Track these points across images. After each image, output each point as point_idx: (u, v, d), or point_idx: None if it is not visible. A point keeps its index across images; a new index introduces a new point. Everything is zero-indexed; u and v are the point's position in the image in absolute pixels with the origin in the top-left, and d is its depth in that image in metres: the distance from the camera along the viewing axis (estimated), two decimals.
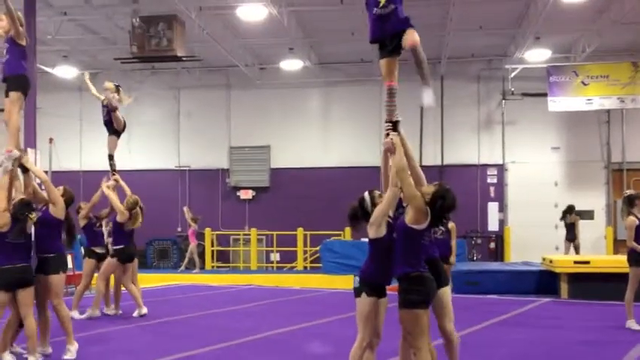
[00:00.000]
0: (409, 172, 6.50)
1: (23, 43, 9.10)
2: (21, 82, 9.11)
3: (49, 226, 9.06)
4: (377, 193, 6.81)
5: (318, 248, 23.98)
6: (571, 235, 21.06)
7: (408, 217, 6.37)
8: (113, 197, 12.96)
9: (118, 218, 12.93)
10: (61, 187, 9.64)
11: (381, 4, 6.91)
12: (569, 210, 21.24)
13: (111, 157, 13.58)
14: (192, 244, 23.84)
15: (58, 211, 9.08)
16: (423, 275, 6.36)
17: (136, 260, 13.35)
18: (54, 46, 23.30)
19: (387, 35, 6.94)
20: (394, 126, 6.87)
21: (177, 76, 28.00)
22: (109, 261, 13.05)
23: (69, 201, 9.59)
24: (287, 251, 25.79)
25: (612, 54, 24.18)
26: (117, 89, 13.39)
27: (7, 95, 9.06)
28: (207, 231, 25.65)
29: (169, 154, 28.46)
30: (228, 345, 9.96)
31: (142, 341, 10.64)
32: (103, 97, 13.49)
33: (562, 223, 21.47)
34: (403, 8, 6.95)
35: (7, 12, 8.89)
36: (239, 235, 26.89)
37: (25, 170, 9.16)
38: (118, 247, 12.98)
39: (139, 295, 12.99)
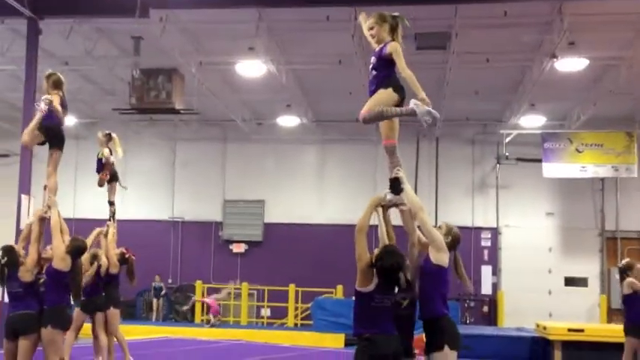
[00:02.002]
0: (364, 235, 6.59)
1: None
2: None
3: (49, 276, 8.83)
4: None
5: (309, 305, 23.75)
6: None
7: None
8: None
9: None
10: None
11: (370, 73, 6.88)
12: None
13: (111, 203, 13.30)
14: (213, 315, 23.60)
15: (55, 261, 8.83)
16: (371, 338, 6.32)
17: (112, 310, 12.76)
18: None
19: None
20: (392, 185, 6.91)
21: (174, 128, 27.94)
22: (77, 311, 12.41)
23: (74, 251, 9.22)
24: (278, 307, 25.49)
25: (607, 123, 24.14)
26: (109, 138, 13.13)
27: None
28: (198, 284, 25.39)
29: (164, 204, 28.33)
30: None
31: None
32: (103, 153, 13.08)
33: (556, 290, 21.26)
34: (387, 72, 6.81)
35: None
36: (230, 288, 26.62)
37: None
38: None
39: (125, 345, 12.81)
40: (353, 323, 6.49)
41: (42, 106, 9.06)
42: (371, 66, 6.88)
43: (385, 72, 6.76)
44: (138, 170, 27.07)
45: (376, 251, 6.48)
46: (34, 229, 8.91)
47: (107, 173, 12.87)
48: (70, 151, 26.95)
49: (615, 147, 23.92)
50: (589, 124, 23.70)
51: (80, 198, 27.09)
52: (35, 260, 8.71)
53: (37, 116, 9.11)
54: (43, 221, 8.98)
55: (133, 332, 18.50)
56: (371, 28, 6.93)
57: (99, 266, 12.33)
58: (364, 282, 6.37)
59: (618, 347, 11.48)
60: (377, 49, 6.86)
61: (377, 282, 6.36)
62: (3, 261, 8.74)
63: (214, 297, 24.20)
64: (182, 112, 21.43)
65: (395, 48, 6.66)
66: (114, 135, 13.13)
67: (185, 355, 16.09)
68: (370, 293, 6.36)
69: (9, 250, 8.89)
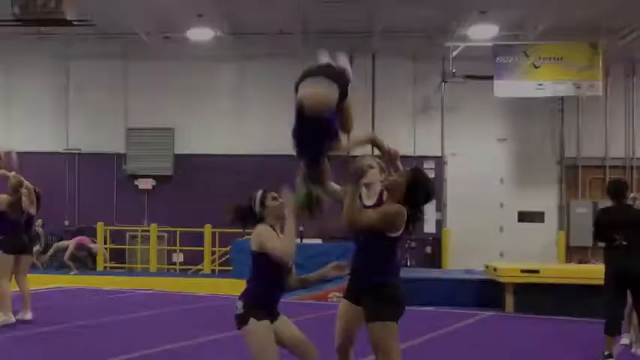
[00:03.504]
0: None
1: None
2: None
3: None
4: (273, 194, 6.82)
5: (228, 249, 23.70)
6: None
7: None
8: None
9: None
10: None
11: None
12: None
13: None
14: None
15: None
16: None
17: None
18: None
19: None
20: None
21: (66, 44, 27.31)
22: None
23: None
24: (192, 251, 25.46)
25: (568, 33, 24.08)
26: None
27: None
28: (100, 226, 25.19)
29: (56, 134, 27.91)
30: None
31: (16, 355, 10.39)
32: None
33: (508, 226, 21.54)
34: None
35: None
36: (137, 231, 26.43)
37: None
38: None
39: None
40: (377, 272, 6.52)
41: None
42: None
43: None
44: (25, 95, 26.68)
45: (401, 177, 6.56)
46: None
47: None
48: None
49: (577, 61, 24.05)
50: (548, 34, 23.72)
51: None
52: None
53: None
54: None
55: (30, 282, 18.34)
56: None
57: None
58: (399, 227, 6.45)
59: (577, 290, 11.68)
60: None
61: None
62: None
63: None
64: (75, 23, 20.88)
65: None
66: None
67: (89, 306, 15.94)
68: (398, 237, 6.52)
69: None
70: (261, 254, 6.55)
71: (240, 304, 6.54)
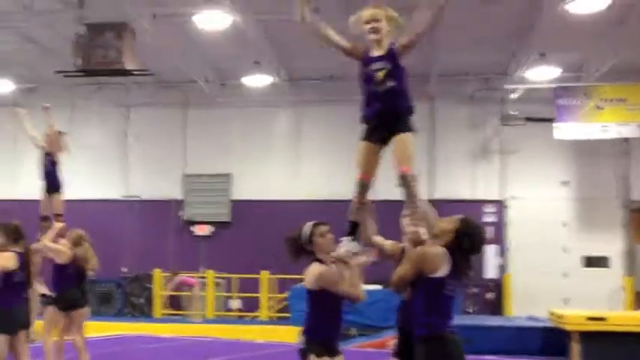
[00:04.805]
0: None
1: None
2: None
3: None
4: (322, 229, 6.74)
5: (285, 295, 23.50)
6: None
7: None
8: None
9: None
10: None
11: (377, 79, 6.54)
12: None
13: (45, 219, 13.25)
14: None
15: None
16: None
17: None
18: None
19: (380, 116, 6.58)
20: (350, 230, 6.71)
21: (126, 93, 27.69)
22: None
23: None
24: (249, 297, 25.26)
25: (631, 74, 23.74)
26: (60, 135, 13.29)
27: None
28: (157, 272, 25.15)
29: (116, 181, 28.07)
30: None
31: None
32: (42, 142, 13.36)
33: (572, 272, 21.09)
34: (408, 86, 6.59)
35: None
36: (193, 277, 26.36)
37: None
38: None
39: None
40: (422, 320, 6.25)
41: None
42: (382, 72, 6.56)
43: (406, 86, 6.62)
44: (86, 143, 26.73)
45: (450, 225, 6.35)
46: None
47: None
48: (7, 121, 26.80)
49: None
50: (610, 75, 23.21)
51: (22, 175, 26.70)
52: None
53: None
54: None
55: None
56: (376, 20, 6.63)
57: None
58: (435, 266, 6.23)
59: None
60: (380, 51, 6.64)
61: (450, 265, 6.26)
62: None
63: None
64: (134, 73, 21.07)
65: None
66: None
67: (144, 354, 15.95)
68: (443, 279, 6.25)
69: None
70: (317, 292, 6.54)
71: (303, 339, 6.61)
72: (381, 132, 6.53)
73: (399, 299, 6.96)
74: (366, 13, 6.64)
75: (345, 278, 6.52)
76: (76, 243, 12.59)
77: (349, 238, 6.62)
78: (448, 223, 6.38)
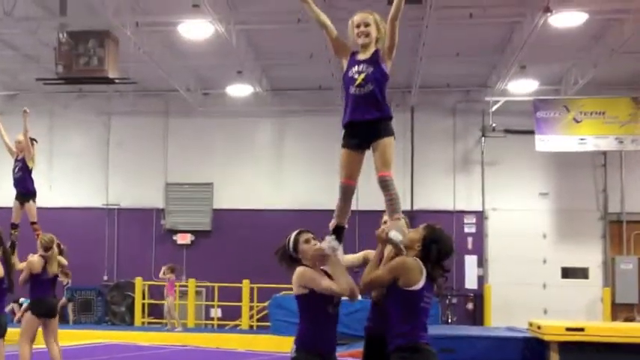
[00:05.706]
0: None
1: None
2: None
3: None
4: (306, 236, 6.68)
5: (266, 304, 23.42)
6: None
7: None
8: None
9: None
10: None
11: (357, 82, 6.65)
12: None
13: (15, 226, 13.18)
14: (170, 298, 23.34)
15: None
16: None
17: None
18: None
19: (358, 122, 6.67)
20: (335, 234, 6.69)
21: (108, 101, 27.60)
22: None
23: None
24: (230, 306, 25.24)
25: (609, 88, 24.08)
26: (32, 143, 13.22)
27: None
28: (138, 280, 25.09)
29: (96, 189, 27.97)
30: None
31: None
32: (15, 150, 13.29)
33: (551, 282, 21.28)
34: (387, 91, 6.69)
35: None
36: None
37: None
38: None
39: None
40: (397, 332, 6.33)
41: None
42: (362, 75, 6.68)
43: (384, 93, 6.68)
44: (66, 150, 26.82)
45: (416, 234, 6.48)
46: None
47: None
48: None
49: (619, 115, 23.73)
50: (588, 89, 23.52)
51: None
52: None
53: None
54: None
55: (65, 337, 18.25)
56: (366, 25, 6.76)
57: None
58: (413, 279, 6.28)
59: (624, 349, 11.31)
60: (365, 55, 6.77)
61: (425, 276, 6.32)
62: None
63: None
64: (116, 81, 21.01)
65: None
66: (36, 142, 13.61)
67: None
68: (420, 291, 6.32)
69: None
70: (303, 295, 6.51)
71: (293, 347, 6.52)
72: (360, 138, 6.61)
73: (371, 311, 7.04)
74: (357, 17, 6.77)
75: (325, 276, 6.50)
76: (47, 248, 12.39)
77: (333, 236, 6.65)
78: (415, 233, 6.48)
